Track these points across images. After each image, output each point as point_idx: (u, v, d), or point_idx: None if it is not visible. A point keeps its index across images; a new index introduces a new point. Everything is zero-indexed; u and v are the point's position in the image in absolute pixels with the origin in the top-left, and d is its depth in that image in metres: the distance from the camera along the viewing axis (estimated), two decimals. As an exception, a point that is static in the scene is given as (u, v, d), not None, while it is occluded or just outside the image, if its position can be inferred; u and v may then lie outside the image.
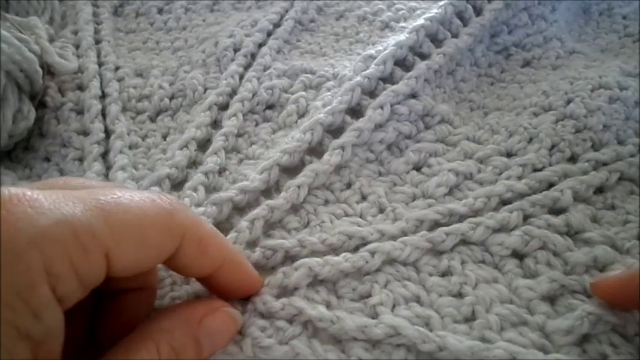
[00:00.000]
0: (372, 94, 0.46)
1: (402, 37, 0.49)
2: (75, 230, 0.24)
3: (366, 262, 0.34)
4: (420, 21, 0.50)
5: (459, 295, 0.33)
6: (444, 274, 0.35)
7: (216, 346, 0.30)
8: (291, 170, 0.42)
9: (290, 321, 0.32)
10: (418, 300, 0.33)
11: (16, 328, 0.22)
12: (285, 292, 0.34)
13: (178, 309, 0.30)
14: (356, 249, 0.36)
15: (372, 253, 0.35)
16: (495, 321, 0.31)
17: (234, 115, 0.47)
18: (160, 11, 0.63)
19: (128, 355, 0.27)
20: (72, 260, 0.24)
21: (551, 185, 0.39)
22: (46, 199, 0.24)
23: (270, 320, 0.32)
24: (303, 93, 0.49)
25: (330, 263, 0.34)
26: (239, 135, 0.47)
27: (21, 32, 0.48)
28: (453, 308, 0.32)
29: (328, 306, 0.33)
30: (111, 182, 0.27)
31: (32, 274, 0.23)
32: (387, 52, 0.47)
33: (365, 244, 0.36)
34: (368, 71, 0.46)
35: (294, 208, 0.40)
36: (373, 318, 0.32)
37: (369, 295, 0.33)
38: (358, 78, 0.46)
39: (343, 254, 0.35)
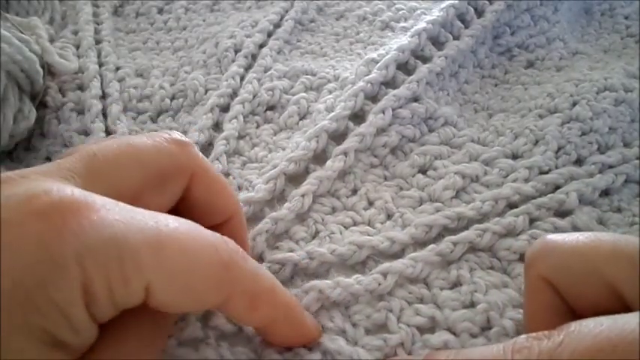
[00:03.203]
0: (374, 98, 0.46)
1: (404, 40, 0.48)
2: (121, 255, 0.23)
3: (379, 285, 0.34)
4: (422, 24, 0.50)
5: (472, 304, 0.33)
6: (454, 286, 0.35)
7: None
8: (295, 178, 0.42)
9: (309, 347, 0.32)
10: (433, 322, 0.33)
11: (53, 339, 0.22)
12: None
13: None
14: (367, 259, 0.36)
15: (384, 274, 0.34)
16: (511, 326, 0.31)
17: (235, 117, 0.47)
18: (160, 11, 0.63)
19: None
20: (110, 285, 0.23)
21: (557, 188, 0.39)
22: (110, 213, 0.23)
23: None
24: (304, 94, 0.49)
25: (342, 286, 0.34)
26: (240, 137, 0.46)
27: (21, 32, 0.47)
28: (468, 321, 0.32)
29: (344, 333, 0.32)
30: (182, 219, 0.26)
31: (72, 292, 0.22)
32: (389, 56, 0.47)
33: (375, 254, 0.36)
34: (370, 76, 0.46)
35: (301, 218, 0.40)
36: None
37: (385, 325, 0.33)
38: (361, 83, 0.46)
39: (355, 276, 0.34)
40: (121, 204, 0.25)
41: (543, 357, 0.22)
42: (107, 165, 0.27)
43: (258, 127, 0.48)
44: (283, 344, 0.31)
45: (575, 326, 0.23)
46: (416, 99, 0.46)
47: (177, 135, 0.31)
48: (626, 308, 0.24)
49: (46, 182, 0.24)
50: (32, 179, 0.25)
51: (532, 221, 0.37)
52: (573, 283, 0.26)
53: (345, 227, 0.39)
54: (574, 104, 0.44)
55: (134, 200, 0.27)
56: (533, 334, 0.24)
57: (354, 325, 0.33)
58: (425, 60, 0.48)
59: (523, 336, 0.24)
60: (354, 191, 0.41)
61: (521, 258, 0.35)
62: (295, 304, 0.31)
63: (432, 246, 0.36)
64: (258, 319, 0.29)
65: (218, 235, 0.27)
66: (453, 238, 0.36)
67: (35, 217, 0.22)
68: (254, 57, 0.54)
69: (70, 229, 0.22)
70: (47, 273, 0.21)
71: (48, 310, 0.22)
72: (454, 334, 0.32)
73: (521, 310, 0.32)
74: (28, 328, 0.21)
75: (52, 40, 0.53)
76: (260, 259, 0.37)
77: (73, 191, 0.24)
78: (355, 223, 0.39)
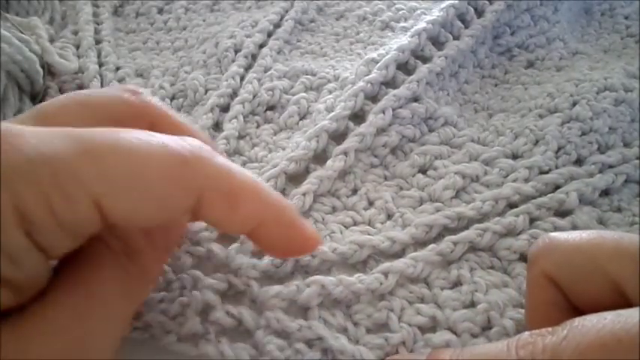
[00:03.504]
0: (375, 98, 0.46)
1: (404, 40, 0.48)
2: (54, 172, 0.21)
3: (380, 284, 0.34)
4: (422, 24, 0.49)
5: (472, 304, 0.33)
6: (454, 285, 0.35)
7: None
8: (295, 178, 0.42)
9: (309, 345, 0.32)
10: (434, 321, 0.33)
11: None
12: (294, 306, 0.33)
13: None
14: (368, 258, 0.36)
15: (386, 274, 0.34)
16: (511, 326, 0.31)
17: (235, 117, 0.47)
18: (160, 11, 0.63)
19: None
20: (50, 204, 0.21)
21: (557, 188, 0.39)
22: (31, 135, 0.22)
23: (288, 341, 0.32)
24: (304, 94, 0.49)
25: (344, 284, 0.34)
26: (240, 137, 0.46)
27: (21, 32, 0.47)
28: (469, 321, 0.32)
29: (345, 331, 0.32)
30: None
31: (3, 217, 0.20)
32: (389, 56, 0.47)
33: (376, 253, 0.36)
34: (371, 76, 0.46)
35: (301, 217, 0.40)
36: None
37: (386, 324, 0.33)
38: (361, 83, 0.46)
39: (357, 275, 0.34)
40: (55, 128, 0.23)
41: (547, 352, 0.22)
42: (54, 112, 0.26)
43: (258, 127, 0.47)
44: (279, 252, 0.30)
45: (578, 321, 0.23)
46: (416, 99, 0.46)
47: (131, 86, 0.30)
48: (629, 305, 0.24)
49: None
50: None
51: (532, 221, 0.37)
52: (576, 280, 0.26)
53: (345, 227, 0.39)
54: (574, 104, 0.44)
55: None
56: (537, 331, 0.24)
57: (355, 324, 0.33)
58: (425, 60, 0.48)
59: (527, 332, 0.24)
60: (355, 191, 0.41)
61: (522, 258, 0.35)
62: (286, 204, 0.29)
63: (432, 246, 0.36)
64: (242, 220, 0.27)
65: (171, 136, 0.25)
66: (454, 237, 0.36)
67: None
68: (254, 57, 0.54)
69: None
70: None
71: None
72: (455, 333, 0.32)
73: (521, 310, 0.32)
74: None
75: (52, 40, 0.53)
76: (261, 251, 0.36)
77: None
78: (355, 223, 0.39)
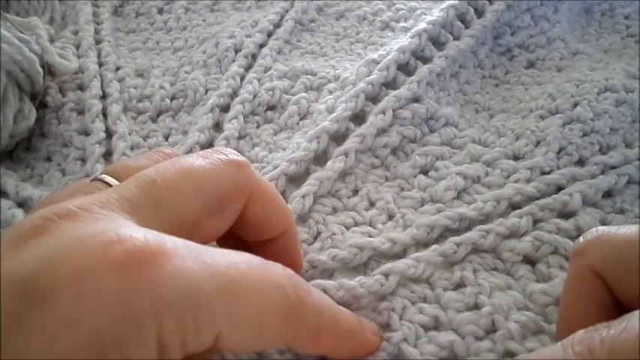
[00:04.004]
0: (375, 99, 0.46)
1: (405, 41, 0.48)
2: (197, 307, 0.22)
3: (381, 286, 0.34)
4: (422, 25, 0.49)
5: (476, 306, 0.33)
6: (457, 286, 0.34)
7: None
8: (295, 179, 0.42)
9: None
10: (437, 322, 0.32)
11: None
12: None
13: None
14: (369, 260, 0.36)
15: (386, 275, 0.34)
16: (516, 329, 0.31)
17: (235, 117, 0.47)
18: (160, 11, 0.63)
19: None
20: (183, 336, 0.22)
21: (559, 189, 0.39)
22: (182, 260, 0.23)
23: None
24: (304, 94, 0.49)
25: (345, 288, 0.34)
26: (241, 137, 0.46)
27: (22, 32, 0.47)
28: (473, 324, 0.32)
29: None
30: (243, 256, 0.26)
31: (147, 348, 0.21)
32: (389, 57, 0.47)
33: (377, 255, 0.36)
34: (371, 77, 0.46)
35: (302, 219, 0.40)
36: (398, 356, 0.31)
37: (388, 325, 0.33)
38: (362, 84, 0.46)
39: (358, 278, 0.34)
40: (192, 244, 0.24)
41: (606, 345, 0.22)
42: (167, 193, 0.27)
43: (258, 127, 0.48)
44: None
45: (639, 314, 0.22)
46: (416, 99, 0.46)
47: (234, 156, 0.31)
48: None
49: (114, 223, 0.24)
50: (98, 216, 0.24)
51: (535, 222, 0.37)
52: (625, 275, 0.26)
53: (346, 227, 0.39)
54: (575, 105, 0.44)
55: (194, 226, 0.27)
56: (592, 327, 0.23)
57: None
58: (425, 60, 0.48)
59: (581, 330, 0.23)
60: (355, 192, 0.41)
61: (525, 259, 0.35)
62: (356, 328, 0.31)
63: (434, 246, 0.36)
64: (322, 351, 0.29)
65: (283, 270, 0.27)
66: (456, 238, 0.36)
67: (111, 269, 0.21)
68: (254, 57, 0.54)
69: (147, 282, 0.21)
70: (124, 330, 0.21)
71: None
72: (459, 335, 0.31)
73: (526, 313, 0.31)
74: None
75: (52, 40, 0.53)
76: None
77: (145, 237, 0.23)
78: (356, 224, 0.39)
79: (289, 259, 0.32)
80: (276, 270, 0.26)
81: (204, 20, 0.61)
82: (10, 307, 0.20)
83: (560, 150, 0.41)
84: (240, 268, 0.25)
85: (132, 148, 0.47)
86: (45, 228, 0.23)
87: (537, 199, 0.38)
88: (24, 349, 0.20)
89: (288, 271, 0.27)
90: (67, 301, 0.20)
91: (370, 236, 0.37)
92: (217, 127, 0.47)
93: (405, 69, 0.48)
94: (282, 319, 0.25)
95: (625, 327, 0.22)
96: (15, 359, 0.20)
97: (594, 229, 0.28)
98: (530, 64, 0.52)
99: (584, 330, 0.23)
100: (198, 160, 0.29)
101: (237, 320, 0.24)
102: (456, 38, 0.50)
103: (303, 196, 0.40)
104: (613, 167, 0.40)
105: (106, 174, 0.30)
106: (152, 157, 0.32)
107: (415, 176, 0.42)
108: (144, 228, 0.24)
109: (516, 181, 0.39)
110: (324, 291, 0.33)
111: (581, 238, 0.29)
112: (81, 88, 0.51)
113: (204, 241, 0.27)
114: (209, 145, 0.46)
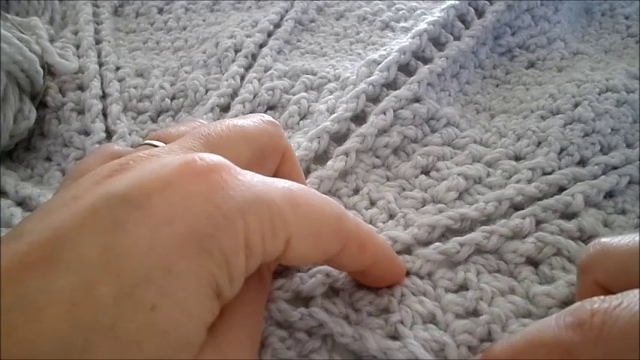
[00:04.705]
0: (376, 100, 0.46)
1: (405, 42, 0.48)
2: (271, 211, 0.25)
3: None
4: (423, 25, 0.49)
5: (475, 313, 0.33)
6: (460, 289, 0.34)
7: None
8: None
9: (309, 333, 0.32)
10: (434, 319, 0.32)
11: (217, 287, 0.23)
12: (298, 297, 0.33)
13: None
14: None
15: None
16: None
17: (236, 117, 0.47)
18: (160, 11, 0.63)
19: None
20: (263, 236, 0.24)
21: (561, 189, 0.39)
22: (250, 175, 0.26)
23: (289, 330, 0.32)
24: (305, 94, 0.49)
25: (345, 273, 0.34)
26: (241, 137, 0.46)
27: (22, 32, 0.47)
28: (468, 333, 0.31)
29: (346, 317, 0.32)
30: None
31: (238, 242, 0.24)
32: (390, 58, 0.47)
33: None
34: (372, 78, 0.46)
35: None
36: (394, 337, 0.31)
37: (387, 308, 0.33)
38: (362, 85, 0.46)
39: None
40: (264, 177, 0.27)
41: (598, 316, 0.22)
42: (221, 142, 0.30)
43: (258, 127, 0.47)
44: (379, 283, 0.34)
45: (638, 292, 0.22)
46: (417, 99, 0.46)
47: (268, 117, 0.34)
48: None
49: (187, 153, 0.27)
50: (172, 153, 0.27)
51: (538, 223, 0.37)
52: (631, 288, 0.25)
53: None
54: (576, 105, 0.44)
55: None
56: (588, 299, 0.24)
57: (356, 310, 0.33)
58: (426, 61, 0.48)
59: (578, 302, 0.24)
60: (356, 191, 0.41)
61: (528, 261, 0.35)
62: (388, 245, 0.34)
63: (436, 244, 0.36)
64: (367, 260, 0.31)
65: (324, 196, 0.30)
66: (460, 239, 0.36)
67: (196, 177, 0.24)
68: (254, 57, 0.54)
69: (230, 186, 0.24)
70: (218, 223, 0.23)
71: (218, 257, 0.23)
72: (454, 341, 0.31)
73: (525, 320, 0.31)
74: (200, 273, 0.23)
75: (52, 40, 0.53)
76: None
77: (218, 157, 0.26)
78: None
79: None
80: (320, 194, 0.29)
81: (204, 20, 0.61)
82: (110, 217, 0.22)
83: (562, 150, 0.41)
84: (301, 187, 0.28)
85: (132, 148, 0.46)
86: (126, 167, 0.26)
87: (539, 199, 0.38)
88: (127, 243, 0.22)
89: None
90: (162, 204, 0.23)
91: None
92: (218, 127, 0.47)
93: (406, 69, 0.48)
94: (334, 227, 0.28)
95: (620, 303, 0.22)
96: (119, 253, 0.22)
97: (596, 241, 0.29)
98: (531, 65, 0.52)
99: (580, 302, 0.24)
100: (242, 119, 0.32)
101: (302, 226, 0.26)
102: (457, 38, 0.50)
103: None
104: (614, 167, 0.40)
105: (150, 139, 0.32)
106: (190, 124, 0.34)
107: (416, 176, 0.42)
108: None
109: (518, 182, 0.39)
110: (327, 275, 0.34)
111: (584, 254, 0.29)
112: (81, 88, 0.51)
113: None
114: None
